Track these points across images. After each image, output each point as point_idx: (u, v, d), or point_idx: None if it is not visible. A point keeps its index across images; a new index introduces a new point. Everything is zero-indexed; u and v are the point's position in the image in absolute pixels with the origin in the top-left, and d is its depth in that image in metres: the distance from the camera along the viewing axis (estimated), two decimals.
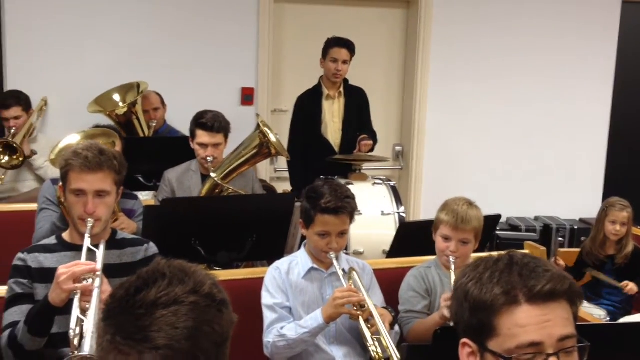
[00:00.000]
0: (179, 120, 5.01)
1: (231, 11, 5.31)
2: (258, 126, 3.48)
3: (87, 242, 2.20)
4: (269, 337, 2.51)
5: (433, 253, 2.87)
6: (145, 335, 1.07)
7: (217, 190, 3.52)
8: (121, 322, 1.09)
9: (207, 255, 2.93)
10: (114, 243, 2.39)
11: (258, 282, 2.73)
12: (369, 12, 5.74)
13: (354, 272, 2.59)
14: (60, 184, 2.83)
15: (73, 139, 3.22)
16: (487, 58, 5.83)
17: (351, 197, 2.64)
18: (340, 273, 2.55)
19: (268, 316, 2.54)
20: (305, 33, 5.55)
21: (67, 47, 5.03)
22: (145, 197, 4.03)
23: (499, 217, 3.34)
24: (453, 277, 2.66)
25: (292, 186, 4.75)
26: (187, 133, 4.80)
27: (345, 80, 4.67)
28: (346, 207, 2.57)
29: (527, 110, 5.96)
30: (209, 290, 1.14)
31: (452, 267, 2.68)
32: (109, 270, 2.20)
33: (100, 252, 2.20)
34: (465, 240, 2.73)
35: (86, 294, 2.04)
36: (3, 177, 4.35)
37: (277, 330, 2.49)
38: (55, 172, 4.31)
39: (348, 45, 4.54)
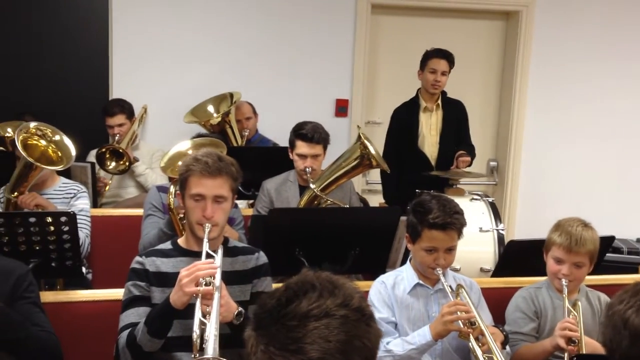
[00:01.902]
0: (272, 130, 5.07)
1: (327, 22, 5.33)
2: (359, 137, 3.45)
3: (205, 247, 2.23)
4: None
5: (542, 273, 2.75)
6: (299, 347, 1.06)
7: (315, 202, 3.52)
8: (274, 333, 1.09)
9: (310, 266, 2.91)
10: (226, 250, 2.41)
11: None
12: (466, 24, 5.64)
13: (462, 289, 2.52)
14: (171, 190, 2.91)
15: (183, 146, 3.28)
16: (588, 72, 5.64)
17: (460, 212, 2.56)
18: (448, 290, 2.48)
19: None
20: (401, 45, 5.50)
21: (167, 59, 5.19)
22: (240, 206, 4.08)
23: (612, 238, 3.17)
24: (566, 302, 2.55)
25: (385, 199, 4.70)
26: (279, 142, 4.92)
27: (444, 93, 4.59)
28: (455, 223, 2.50)
29: (633, 124, 5.70)
30: (358, 304, 1.13)
31: (565, 290, 2.57)
32: (222, 277, 2.21)
33: (219, 257, 2.23)
34: (579, 264, 2.61)
35: (207, 297, 2.07)
36: (111, 181, 4.50)
37: (384, 346, 2.44)
38: (154, 179, 4.46)
39: (447, 57, 4.47)
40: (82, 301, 2.69)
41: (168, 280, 2.30)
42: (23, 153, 2.97)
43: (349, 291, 1.14)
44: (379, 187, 5.24)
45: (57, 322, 2.37)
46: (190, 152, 3.13)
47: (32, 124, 3.12)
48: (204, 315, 2.03)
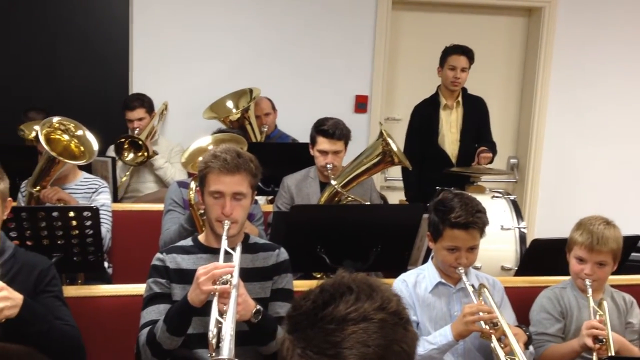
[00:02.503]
0: (291, 125, 5.06)
1: (348, 17, 5.31)
2: (381, 134, 3.42)
3: (224, 245, 2.22)
4: None
5: (566, 272, 2.72)
6: (338, 352, 1.04)
7: (336, 199, 3.50)
8: (311, 336, 1.06)
9: (331, 263, 2.90)
10: (246, 247, 2.39)
11: None
12: (487, 20, 5.59)
13: (485, 289, 2.49)
14: (192, 186, 2.91)
15: (204, 141, 3.27)
16: (611, 67, 5.58)
17: (482, 211, 2.52)
18: (470, 289, 2.45)
19: None
20: (421, 41, 5.47)
21: (187, 55, 5.20)
22: (259, 202, 4.07)
23: (637, 237, 3.12)
24: (591, 302, 2.51)
25: (406, 196, 4.67)
26: (298, 138, 4.91)
27: (464, 90, 4.55)
28: (477, 222, 2.46)
29: None
30: (395, 308, 1.10)
31: (589, 290, 2.53)
32: (242, 274, 2.20)
33: (237, 255, 2.21)
34: (602, 263, 2.57)
35: (224, 296, 2.06)
36: (126, 175, 4.51)
37: None
38: (173, 173, 4.47)
39: (467, 53, 4.42)
40: (103, 296, 2.69)
41: (188, 277, 2.28)
42: (46, 147, 2.99)
43: (387, 294, 1.11)
44: (398, 184, 5.22)
45: (78, 316, 2.37)
46: (210, 147, 3.12)
47: (56, 119, 3.13)
48: (220, 314, 2.01)
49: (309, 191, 3.66)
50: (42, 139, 2.96)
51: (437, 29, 5.44)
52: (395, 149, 3.42)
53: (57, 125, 3.11)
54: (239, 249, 2.25)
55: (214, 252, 2.33)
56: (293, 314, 1.12)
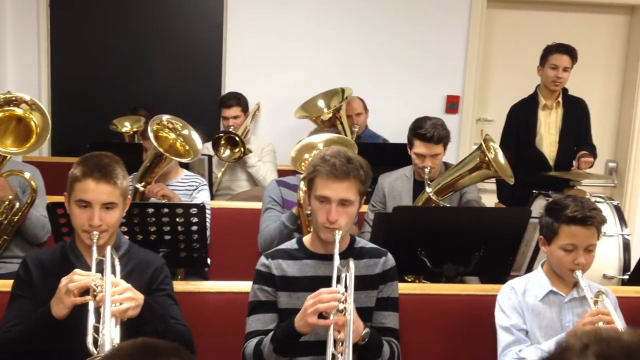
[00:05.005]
0: (382, 125, 5.02)
1: (441, 16, 5.23)
2: (480, 146, 3.27)
3: (336, 262, 2.13)
4: (505, 359, 2.37)
5: None
6: None
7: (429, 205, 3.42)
8: None
9: (432, 266, 2.85)
10: (352, 252, 2.33)
11: (485, 300, 2.63)
12: (586, 18, 5.40)
13: (603, 295, 2.38)
14: (301, 186, 2.90)
15: (314, 138, 3.25)
16: None
17: (598, 209, 2.42)
18: (589, 295, 2.33)
19: (504, 338, 2.41)
20: (516, 40, 5.33)
21: (278, 55, 5.26)
22: None
23: None
24: None
25: (499, 200, 4.55)
26: (389, 138, 4.87)
27: (565, 90, 4.39)
28: (595, 217, 2.36)
29: None
30: None
31: None
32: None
33: (350, 277, 2.10)
34: None
35: (339, 324, 2.00)
36: (221, 172, 4.58)
37: (516, 354, 2.35)
38: (265, 172, 4.50)
39: (570, 52, 4.27)
40: (204, 292, 2.70)
41: (293, 284, 2.27)
42: (154, 143, 3.05)
43: None
44: (489, 186, 5.10)
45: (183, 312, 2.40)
46: (320, 146, 3.10)
47: (165, 117, 3.20)
48: (335, 343, 1.97)
49: (402, 190, 3.59)
50: (151, 135, 3.03)
51: (533, 27, 5.29)
52: (502, 161, 3.27)
53: (165, 123, 3.18)
54: (352, 266, 2.13)
55: (320, 258, 2.30)
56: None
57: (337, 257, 2.15)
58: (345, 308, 2.01)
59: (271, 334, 2.18)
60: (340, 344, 1.97)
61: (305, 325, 2.06)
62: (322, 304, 2.01)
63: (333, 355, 1.96)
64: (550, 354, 0.99)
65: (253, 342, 2.23)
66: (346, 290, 2.06)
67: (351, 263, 2.14)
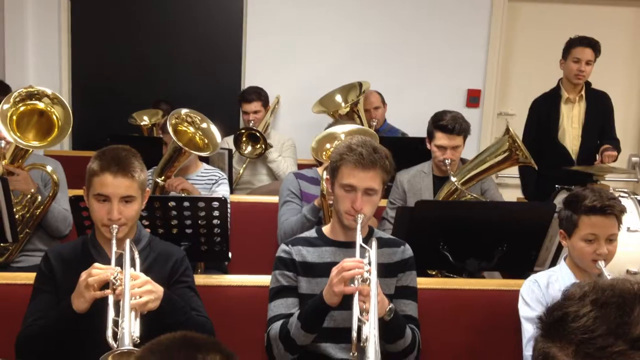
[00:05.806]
0: (401, 119, 4.99)
1: (462, 9, 5.19)
2: (507, 130, 3.28)
3: (359, 240, 2.16)
4: (531, 350, 2.34)
5: None
6: None
7: (454, 196, 3.40)
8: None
9: (454, 261, 2.83)
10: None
11: (508, 294, 2.60)
12: (609, 11, 5.32)
13: None
14: (327, 176, 2.89)
15: (336, 129, 3.24)
16: None
17: (616, 199, 2.41)
18: None
19: (528, 329, 2.39)
20: (538, 33, 5.27)
21: (296, 49, 5.25)
22: None
23: None
24: None
25: (524, 194, 4.50)
26: (408, 132, 4.83)
27: (587, 83, 4.33)
28: (614, 206, 2.35)
29: None
30: None
31: None
32: None
33: (373, 251, 2.14)
34: None
35: (363, 294, 2.01)
36: (243, 168, 4.58)
37: None
38: (285, 167, 4.49)
39: (593, 45, 4.20)
40: (225, 285, 2.71)
41: (313, 270, 2.29)
42: (174, 137, 3.05)
43: None
44: (510, 181, 5.06)
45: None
46: (343, 136, 3.09)
47: (184, 111, 3.20)
48: (361, 312, 1.98)
49: (422, 186, 3.59)
50: (170, 129, 3.03)
51: (556, 20, 5.22)
52: (522, 146, 3.27)
53: (184, 117, 3.18)
54: (374, 244, 2.19)
55: (340, 245, 2.32)
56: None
57: (359, 235, 2.18)
58: (369, 279, 2.03)
59: (297, 312, 2.20)
60: (365, 313, 1.98)
61: (332, 295, 2.07)
62: (346, 272, 2.04)
63: (359, 326, 1.96)
64: (555, 302, 1.09)
65: (278, 324, 2.25)
66: (369, 265, 2.09)
67: (374, 242, 2.18)
